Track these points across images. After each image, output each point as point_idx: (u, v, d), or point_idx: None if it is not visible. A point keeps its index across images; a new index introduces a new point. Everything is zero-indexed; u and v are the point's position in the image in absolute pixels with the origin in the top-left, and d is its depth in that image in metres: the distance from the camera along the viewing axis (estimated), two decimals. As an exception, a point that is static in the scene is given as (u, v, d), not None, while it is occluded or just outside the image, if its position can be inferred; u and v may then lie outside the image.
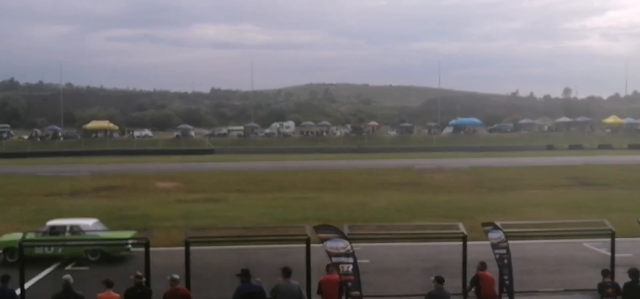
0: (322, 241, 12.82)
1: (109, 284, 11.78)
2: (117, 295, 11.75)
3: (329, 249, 12.74)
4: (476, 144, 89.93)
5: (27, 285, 14.13)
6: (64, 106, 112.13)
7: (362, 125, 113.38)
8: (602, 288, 13.11)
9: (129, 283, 12.07)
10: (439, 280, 12.08)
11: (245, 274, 12.05)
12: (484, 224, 14.52)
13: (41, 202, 35.64)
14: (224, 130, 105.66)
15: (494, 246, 13.96)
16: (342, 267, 12.68)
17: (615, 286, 13.04)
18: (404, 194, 38.25)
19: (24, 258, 13.94)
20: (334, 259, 12.70)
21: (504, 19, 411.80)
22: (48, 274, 18.02)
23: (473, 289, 13.21)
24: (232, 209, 32.31)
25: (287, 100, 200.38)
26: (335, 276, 12.62)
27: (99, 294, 11.70)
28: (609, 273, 13.42)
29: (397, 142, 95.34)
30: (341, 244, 12.77)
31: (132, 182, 44.68)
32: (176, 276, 12.16)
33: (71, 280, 11.59)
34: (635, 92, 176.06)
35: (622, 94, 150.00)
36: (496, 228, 14.04)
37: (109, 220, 28.06)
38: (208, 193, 38.97)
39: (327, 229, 13.16)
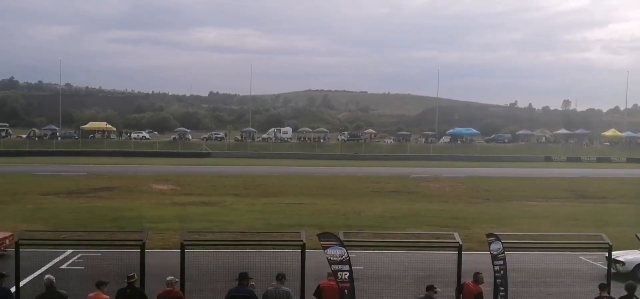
0: (324, 248, 12.85)
1: (99, 285, 11.81)
2: (107, 296, 11.76)
3: (329, 257, 12.77)
4: (473, 154, 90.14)
5: (22, 283, 14.10)
6: (63, 106, 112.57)
7: (359, 132, 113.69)
8: None
9: (123, 284, 12.12)
10: (430, 288, 12.24)
11: (242, 278, 12.16)
12: (488, 236, 14.50)
13: (37, 201, 35.72)
14: (222, 134, 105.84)
15: (494, 258, 13.93)
16: (340, 274, 12.71)
17: None
18: (399, 202, 38.40)
19: (18, 255, 13.87)
20: (333, 267, 12.73)
21: (505, 30, 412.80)
22: (42, 273, 17.95)
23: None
24: (228, 212, 32.42)
25: (285, 105, 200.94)
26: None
27: (90, 294, 11.74)
28: (606, 286, 13.27)
29: (394, 150, 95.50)
30: (339, 252, 12.80)
31: (128, 184, 44.85)
32: (174, 279, 12.28)
33: (54, 280, 11.68)
34: (635, 106, 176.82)
35: (622, 107, 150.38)
36: (497, 239, 14.00)
37: (105, 221, 28.21)
38: (204, 196, 39.12)
39: (329, 236, 13.20)
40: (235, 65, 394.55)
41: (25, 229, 18.66)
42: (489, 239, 14.18)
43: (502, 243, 13.86)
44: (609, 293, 13.22)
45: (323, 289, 12.63)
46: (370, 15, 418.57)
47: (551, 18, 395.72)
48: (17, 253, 13.61)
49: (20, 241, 13.65)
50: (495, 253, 13.80)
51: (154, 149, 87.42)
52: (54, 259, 19.60)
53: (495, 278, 13.86)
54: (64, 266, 19.16)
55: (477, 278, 13.04)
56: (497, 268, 13.77)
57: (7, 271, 12.72)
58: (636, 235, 15.45)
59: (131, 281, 12.04)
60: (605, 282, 13.68)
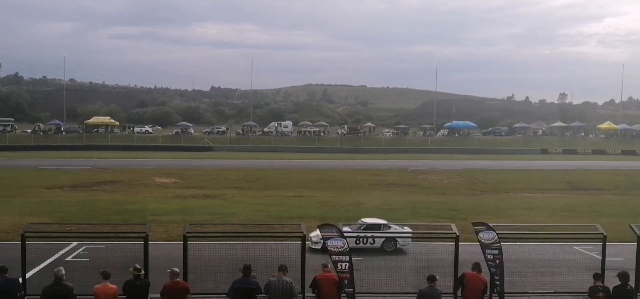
0: (324, 239, 13.08)
1: (106, 276, 11.86)
2: (114, 287, 11.85)
3: (330, 248, 13.01)
4: (470, 147, 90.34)
5: (28, 275, 14.39)
6: (67, 101, 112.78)
7: (358, 126, 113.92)
8: (592, 291, 13.13)
9: (128, 276, 12.31)
10: (431, 279, 12.30)
11: (246, 269, 12.36)
12: (474, 224, 14.74)
13: (43, 194, 36.02)
14: (223, 128, 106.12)
15: (486, 247, 14.14)
16: (339, 265, 12.95)
17: (606, 290, 13.07)
18: (398, 194, 38.62)
19: (25, 247, 14.15)
20: (334, 258, 12.96)
21: (503, 25, 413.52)
22: (48, 265, 18.26)
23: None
24: (230, 205, 32.65)
25: (285, 100, 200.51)
26: (333, 275, 12.84)
27: (96, 286, 11.80)
28: (600, 276, 13.46)
29: (393, 143, 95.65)
30: (340, 243, 13.03)
31: (131, 177, 45.10)
32: (177, 270, 12.41)
33: (63, 272, 11.74)
34: (630, 99, 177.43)
35: (618, 100, 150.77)
36: (489, 228, 14.19)
37: (109, 214, 28.49)
38: (206, 189, 39.34)
39: (329, 228, 13.43)
40: (236, 61, 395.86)
41: (31, 222, 18.94)
42: (476, 228, 14.40)
43: (495, 232, 14.12)
44: (603, 282, 13.49)
45: (319, 281, 12.64)
46: (369, 11, 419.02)
47: (547, 13, 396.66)
48: (23, 245, 13.94)
49: (26, 234, 13.95)
50: (487, 242, 14.06)
51: (156, 143, 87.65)
52: (59, 251, 19.88)
53: (489, 267, 14.13)
54: (69, 258, 19.39)
55: (480, 267, 13.23)
56: (490, 256, 14.02)
57: (14, 263, 13.01)
58: (630, 226, 15.61)
59: (138, 273, 12.19)
60: (600, 272, 13.95)
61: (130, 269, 12.37)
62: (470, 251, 15.12)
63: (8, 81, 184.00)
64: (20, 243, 13.66)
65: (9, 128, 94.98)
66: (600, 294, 13.10)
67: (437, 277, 12.55)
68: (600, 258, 15.23)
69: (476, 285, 12.99)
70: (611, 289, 13.03)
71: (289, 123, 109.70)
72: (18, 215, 26.54)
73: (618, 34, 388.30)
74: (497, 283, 14.10)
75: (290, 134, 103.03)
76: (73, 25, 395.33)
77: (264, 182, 44.18)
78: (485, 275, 13.61)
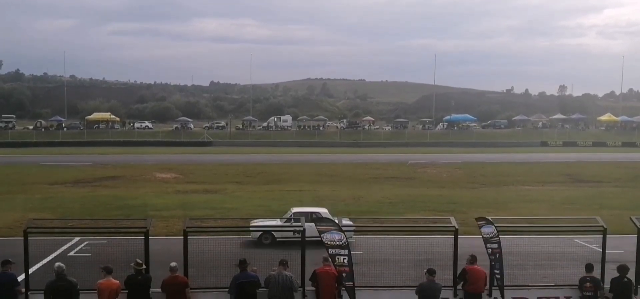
0: (320, 233, 13.14)
1: (108, 271, 11.98)
2: (117, 282, 11.95)
3: (326, 241, 13.07)
4: (470, 140, 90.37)
5: (31, 270, 14.45)
6: (68, 98, 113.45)
7: (357, 120, 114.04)
8: (581, 282, 13.35)
9: (129, 271, 12.41)
10: (431, 272, 12.42)
11: (242, 264, 12.46)
12: (477, 219, 14.80)
13: (45, 190, 36.11)
14: (223, 123, 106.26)
15: (486, 241, 14.23)
16: (338, 258, 13.01)
17: (594, 280, 13.22)
18: (397, 188, 38.65)
19: (27, 243, 14.21)
20: (330, 251, 13.01)
21: (501, 17, 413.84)
22: (50, 261, 18.32)
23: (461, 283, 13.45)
24: (230, 200, 32.70)
25: (284, 94, 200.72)
26: (333, 269, 12.88)
27: (99, 281, 11.89)
28: (592, 267, 13.54)
29: (392, 137, 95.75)
30: (337, 237, 13.03)
31: (132, 173, 45.24)
32: (174, 264, 12.53)
33: (64, 267, 11.83)
34: (630, 90, 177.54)
35: (618, 92, 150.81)
36: (488, 222, 14.27)
37: (110, 209, 28.59)
38: (206, 184, 39.40)
39: (325, 221, 13.47)
40: (235, 55, 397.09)
41: (34, 218, 18.99)
42: (479, 222, 14.49)
43: (495, 226, 14.18)
44: (601, 273, 13.53)
45: (319, 275, 12.75)
46: (368, 4, 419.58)
47: (546, 4, 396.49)
48: (25, 240, 13.99)
49: (29, 230, 14.00)
50: (487, 236, 14.14)
51: (156, 139, 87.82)
52: (61, 246, 19.96)
53: (490, 260, 14.20)
54: (71, 253, 19.48)
55: (476, 259, 13.40)
56: (489, 250, 14.11)
57: (16, 259, 13.06)
58: (631, 218, 15.63)
59: (139, 267, 12.26)
60: (592, 263, 13.92)
61: (132, 264, 12.45)
62: (469, 244, 15.13)
63: (9, 77, 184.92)
64: (23, 238, 13.67)
65: (10, 125, 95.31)
66: (587, 284, 13.27)
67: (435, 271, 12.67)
68: (601, 250, 15.28)
69: (479, 278, 13.27)
70: (610, 281, 13.13)
71: (288, 118, 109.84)
72: (21, 211, 26.65)
73: (618, 25, 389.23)
74: (497, 276, 14.15)
75: (289, 128, 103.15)
76: (73, 21, 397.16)
77: (264, 177, 44.27)
78: (481, 266, 13.71)
